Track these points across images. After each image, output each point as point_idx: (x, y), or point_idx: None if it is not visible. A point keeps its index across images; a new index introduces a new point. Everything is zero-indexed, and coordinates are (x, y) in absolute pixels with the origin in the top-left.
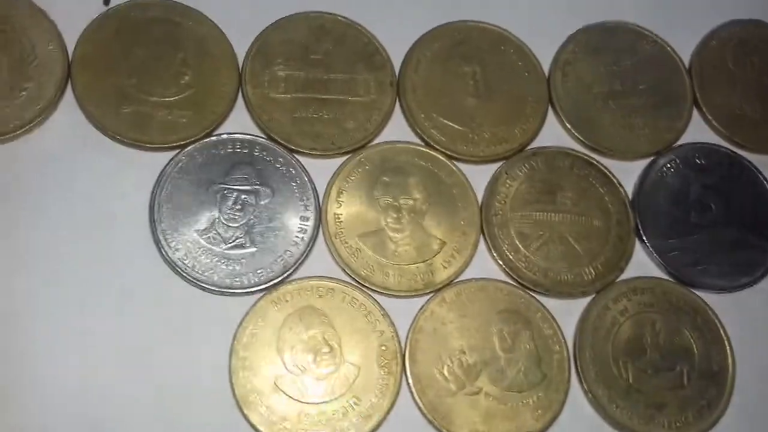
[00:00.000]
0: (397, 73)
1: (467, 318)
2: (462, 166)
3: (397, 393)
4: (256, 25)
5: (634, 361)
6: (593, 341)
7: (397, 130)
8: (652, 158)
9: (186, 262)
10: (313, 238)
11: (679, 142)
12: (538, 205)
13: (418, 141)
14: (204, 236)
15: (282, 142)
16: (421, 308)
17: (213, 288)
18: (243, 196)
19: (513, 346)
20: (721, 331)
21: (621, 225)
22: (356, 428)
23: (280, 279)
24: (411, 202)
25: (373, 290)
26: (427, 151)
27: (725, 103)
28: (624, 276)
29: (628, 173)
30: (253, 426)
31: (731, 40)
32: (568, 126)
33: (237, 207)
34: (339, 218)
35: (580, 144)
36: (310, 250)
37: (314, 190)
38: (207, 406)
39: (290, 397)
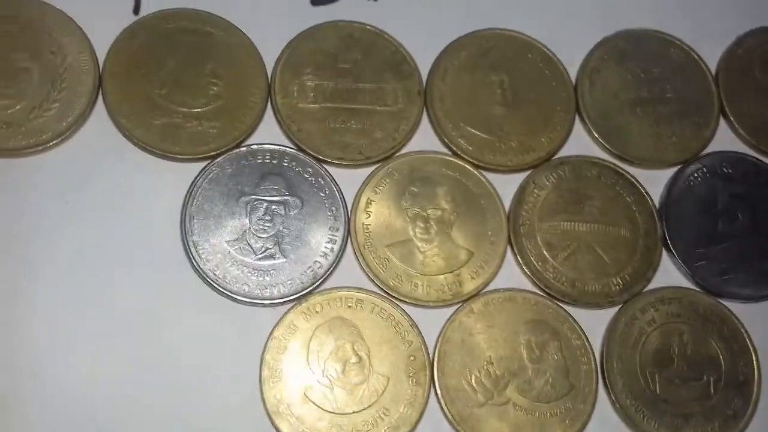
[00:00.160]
0: (424, 82)
1: (495, 328)
2: (489, 176)
3: (426, 403)
4: (285, 35)
5: (662, 371)
6: (621, 351)
7: (424, 139)
8: (679, 167)
9: (216, 272)
10: (342, 249)
11: (706, 151)
12: (565, 215)
13: (445, 150)
14: (234, 247)
15: (311, 152)
16: (449, 319)
17: (243, 298)
18: (273, 207)
19: (541, 356)
20: (748, 341)
21: (648, 235)
22: None
23: (309, 290)
24: (439, 212)
25: (401, 301)
26: (455, 160)
27: (752, 112)
28: (651, 286)
29: (655, 182)
30: None
31: (758, 48)
32: (595, 134)
33: (267, 218)
34: (367, 228)
35: (607, 153)
36: (339, 261)
37: (343, 200)
38: (238, 416)
39: (320, 407)
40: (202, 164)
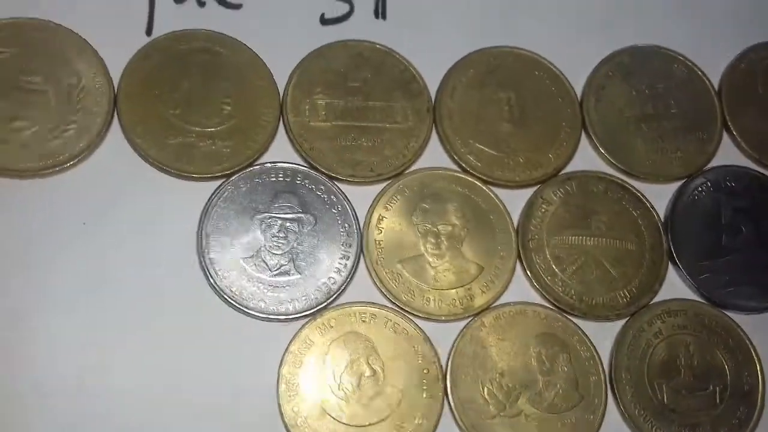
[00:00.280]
0: (433, 100)
1: (506, 341)
2: (498, 191)
3: (440, 415)
4: (296, 54)
5: (669, 381)
6: (629, 363)
7: (434, 156)
8: (683, 181)
9: (233, 289)
10: (355, 264)
11: (710, 165)
12: (573, 230)
13: (454, 167)
14: (250, 264)
15: (323, 170)
16: (460, 332)
17: (259, 314)
18: (287, 224)
19: (551, 368)
20: (752, 351)
21: (654, 248)
22: None
23: (324, 305)
24: (449, 228)
25: (414, 315)
26: (464, 177)
27: (754, 126)
28: (658, 298)
29: (660, 196)
30: None
31: (760, 63)
32: (602, 150)
33: (281, 235)
34: (380, 244)
35: (613, 168)
36: (352, 276)
37: (355, 216)
38: (255, 429)
39: (337, 420)
40: (217, 183)
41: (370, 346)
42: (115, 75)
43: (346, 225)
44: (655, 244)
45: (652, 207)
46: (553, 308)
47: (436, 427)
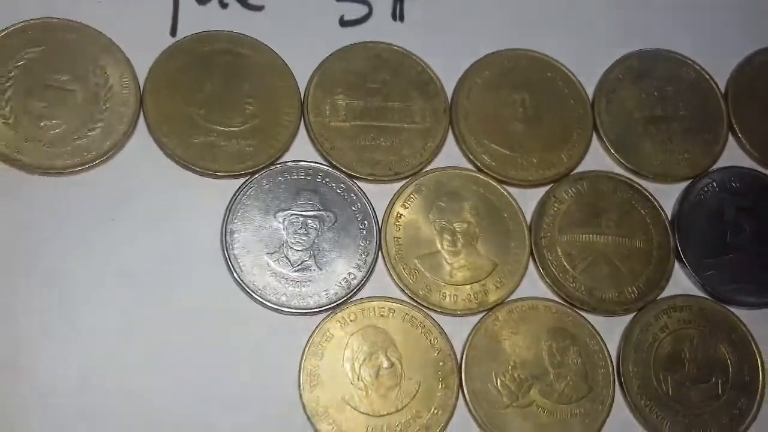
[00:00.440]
0: (449, 101)
1: (518, 335)
2: (511, 190)
3: (455, 406)
4: (317, 55)
5: (674, 374)
6: (636, 356)
7: (450, 155)
8: (690, 181)
9: (256, 283)
10: (374, 260)
11: (716, 166)
12: (584, 228)
13: (470, 166)
14: (273, 259)
15: (343, 168)
16: (475, 326)
17: (282, 308)
18: (308, 221)
19: (561, 361)
20: (753, 345)
21: (661, 246)
22: None
23: (344, 299)
24: (465, 225)
25: (430, 309)
26: (479, 176)
27: (759, 128)
28: (664, 294)
29: (667, 195)
30: None
31: (765, 67)
32: (612, 151)
33: (303, 231)
34: (398, 241)
35: (622, 168)
36: (371, 272)
37: (374, 214)
38: (280, 419)
39: (356, 409)
40: (240, 181)
41: (389, 339)
42: (141, 75)
43: (366, 222)
44: (662, 241)
45: (660, 206)
46: (564, 303)
47: (451, 416)
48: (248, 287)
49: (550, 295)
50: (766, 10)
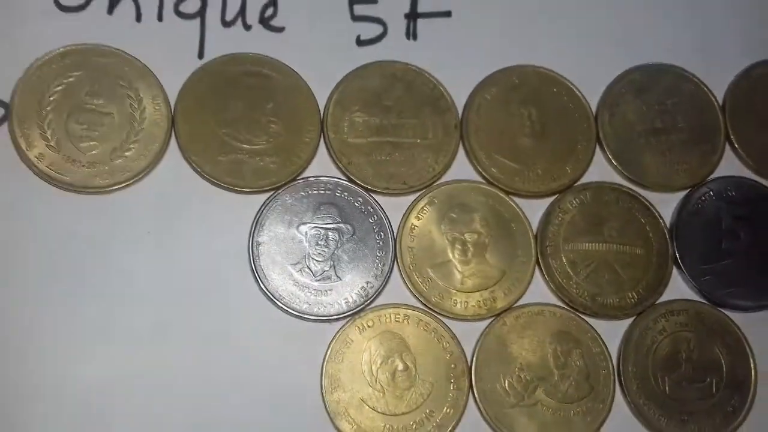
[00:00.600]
0: (460, 116)
1: (525, 339)
2: (519, 201)
3: (465, 405)
4: (335, 75)
5: (671, 374)
6: (635, 358)
7: (461, 168)
8: (688, 191)
9: (281, 292)
10: (390, 270)
11: (713, 176)
12: (587, 236)
13: (480, 179)
14: (296, 270)
15: (360, 183)
16: (484, 331)
17: (305, 315)
18: (328, 233)
19: (565, 363)
20: (746, 346)
21: (660, 253)
22: None
23: (362, 307)
24: (475, 236)
25: (443, 315)
26: (489, 188)
27: (755, 139)
28: (662, 299)
29: (666, 204)
30: None
31: (762, 79)
32: (614, 162)
33: (323, 243)
34: (412, 251)
35: (624, 178)
36: (387, 281)
37: (389, 225)
38: (303, 418)
39: (374, 409)
40: (265, 196)
41: (404, 344)
42: (172, 97)
43: (382, 233)
44: (661, 249)
45: (659, 215)
46: (568, 308)
47: (462, 415)
48: (273, 296)
49: (555, 300)
50: (763, 24)
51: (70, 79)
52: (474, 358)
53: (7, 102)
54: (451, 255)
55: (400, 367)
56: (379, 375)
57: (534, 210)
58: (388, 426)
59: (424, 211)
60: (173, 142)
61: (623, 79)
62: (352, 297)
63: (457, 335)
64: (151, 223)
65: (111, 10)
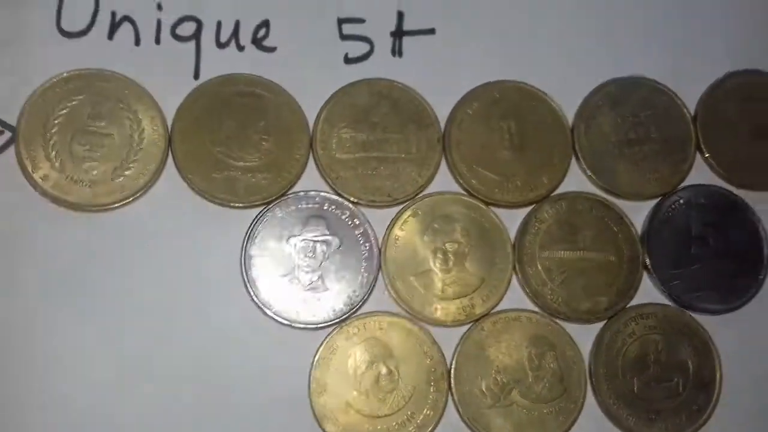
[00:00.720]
0: (443, 131)
1: (502, 343)
2: (498, 211)
3: (445, 407)
4: (324, 93)
5: (640, 375)
6: (606, 359)
7: (443, 181)
8: (659, 199)
9: (271, 302)
10: (375, 279)
11: (684, 184)
12: (562, 244)
13: (461, 191)
14: (286, 280)
15: (347, 197)
16: (463, 336)
17: (294, 324)
18: (317, 245)
19: (540, 365)
20: (712, 348)
21: (632, 260)
22: None
23: (348, 315)
24: (456, 246)
25: (424, 322)
26: (470, 200)
27: (725, 149)
28: (633, 303)
29: (639, 212)
30: None
31: (733, 90)
32: (589, 172)
33: (312, 255)
34: (396, 261)
35: (599, 188)
36: (372, 289)
37: (375, 237)
38: (291, 421)
39: (359, 412)
40: (257, 210)
41: (387, 350)
42: (169, 117)
43: (367, 244)
44: (632, 256)
45: (631, 223)
46: (543, 313)
47: (441, 416)
48: (264, 305)
49: (531, 306)
50: (733, 38)
51: (74, 103)
52: (453, 362)
53: (14, 125)
54: (432, 264)
55: (384, 371)
56: (364, 379)
57: (513, 220)
58: (371, 428)
59: (408, 223)
60: (170, 160)
61: (599, 92)
62: (339, 306)
63: (437, 340)
64: (149, 238)
65: (111, 35)
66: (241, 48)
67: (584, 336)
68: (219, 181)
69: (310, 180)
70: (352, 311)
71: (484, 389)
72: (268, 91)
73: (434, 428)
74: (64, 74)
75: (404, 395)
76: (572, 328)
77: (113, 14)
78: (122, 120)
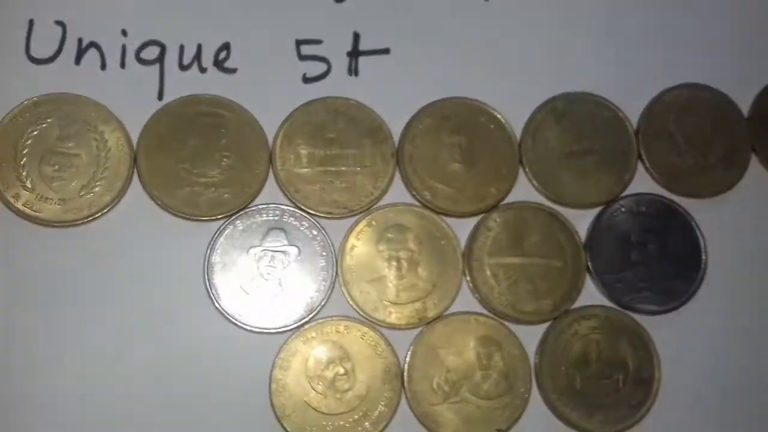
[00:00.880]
0: (396, 146)
1: (452, 344)
2: (449, 220)
3: (398, 404)
4: (283, 111)
5: (582, 372)
6: (550, 358)
7: (397, 193)
8: (602, 207)
9: (233, 309)
10: (332, 286)
11: (626, 193)
12: (509, 251)
13: (414, 202)
14: (247, 288)
15: (306, 209)
16: (416, 338)
17: (254, 328)
18: (277, 255)
19: (487, 364)
20: (651, 347)
21: (575, 265)
22: None
23: (306, 319)
24: (409, 254)
25: (379, 325)
26: (422, 210)
27: (665, 159)
28: (576, 305)
29: (583, 219)
30: None
31: (673, 103)
32: (535, 183)
33: (272, 264)
34: (352, 269)
35: (544, 197)
36: (329, 295)
37: (332, 246)
38: (254, 423)
39: (317, 411)
40: (219, 223)
41: (344, 351)
42: (134, 136)
43: (325, 253)
44: (576, 260)
45: (575, 231)
46: (491, 316)
47: (394, 413)
48: (225, 311)
49: (480, 309)
50: (672, 54)
51: (43, 126)
52: (406, 363)
53: None
54: (387, 271)
55: (341, 371)
56: (322, 380)
57: (463, 228)
58: (329, 424)
59: (363, 233)
60: (136, 178)
61: (545, 107)
62: (297, 311)
63: (391, 342)
64: (117, 251)
65: (78, 60)
66: (203, 70)
67: (530, 336)
68: (183, 196)
69: (271, 194)
70: (310, 316)
71: (435, 387)
72: (229, 111)
73: (388, 423)
74: (34, 98)
75: (360, 394)
76: (519, 329)
77: (80, 41)
78: (89, 141)
